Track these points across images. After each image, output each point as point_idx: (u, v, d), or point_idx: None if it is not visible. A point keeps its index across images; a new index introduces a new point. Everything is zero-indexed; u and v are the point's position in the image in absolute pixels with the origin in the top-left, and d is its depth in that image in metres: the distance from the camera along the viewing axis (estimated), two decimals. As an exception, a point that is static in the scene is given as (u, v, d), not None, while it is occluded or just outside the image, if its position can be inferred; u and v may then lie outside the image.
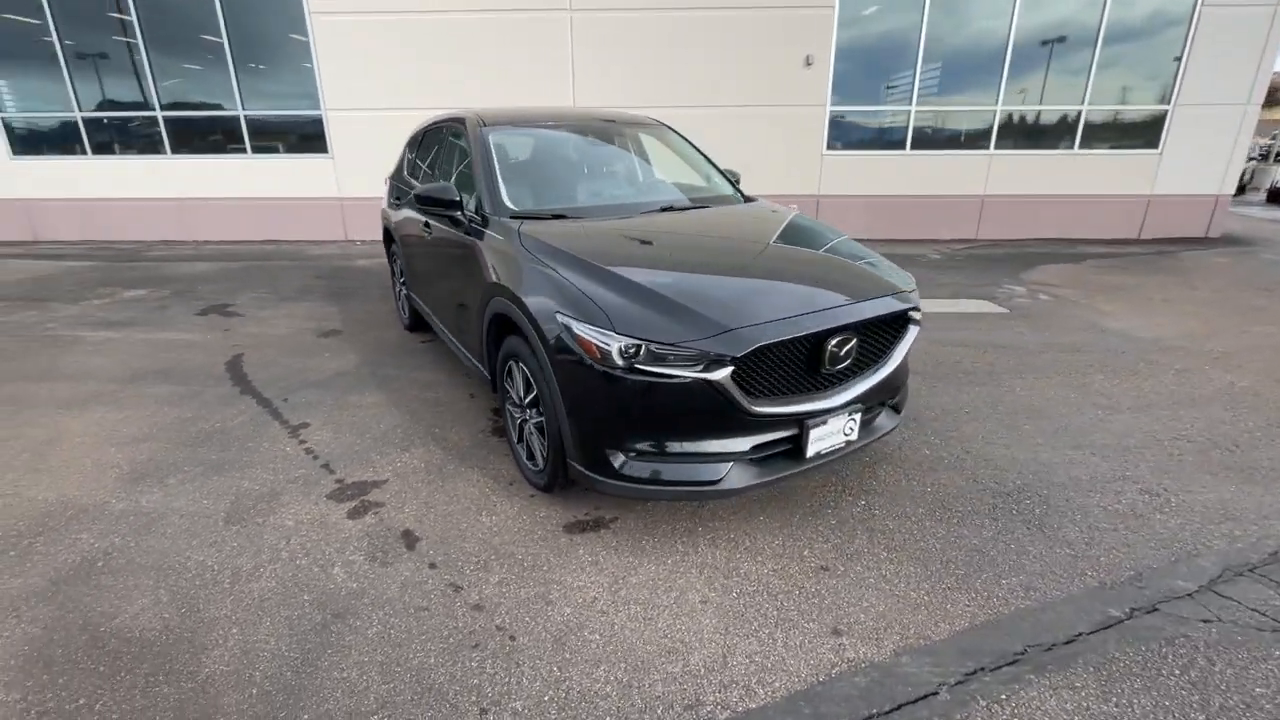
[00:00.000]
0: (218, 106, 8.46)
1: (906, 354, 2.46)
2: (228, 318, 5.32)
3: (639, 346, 2.00)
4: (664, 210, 3.04)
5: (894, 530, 2.47)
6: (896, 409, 2.65)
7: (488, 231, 2.73)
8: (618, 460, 2.16)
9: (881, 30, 8.16)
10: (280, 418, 3.42)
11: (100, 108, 8.58)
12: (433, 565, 2.27)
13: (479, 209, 2.84)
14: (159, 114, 8.46)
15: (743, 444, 2.18)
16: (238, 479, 2.82)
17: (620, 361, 2.00)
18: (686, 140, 3.75)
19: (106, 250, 8.41)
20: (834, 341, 2.14)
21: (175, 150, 8.65)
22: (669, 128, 3.79)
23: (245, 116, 8.44)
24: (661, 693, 1.77)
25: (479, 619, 2.02)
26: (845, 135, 8.52)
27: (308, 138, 8.55)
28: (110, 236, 9.01)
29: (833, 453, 2.32)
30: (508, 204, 2.83)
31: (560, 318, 2.14)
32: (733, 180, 3.58)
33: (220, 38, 8.01)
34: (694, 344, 2.00)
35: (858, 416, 2.32)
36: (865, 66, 8.26)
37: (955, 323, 5.12)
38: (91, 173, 8.75)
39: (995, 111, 8.36)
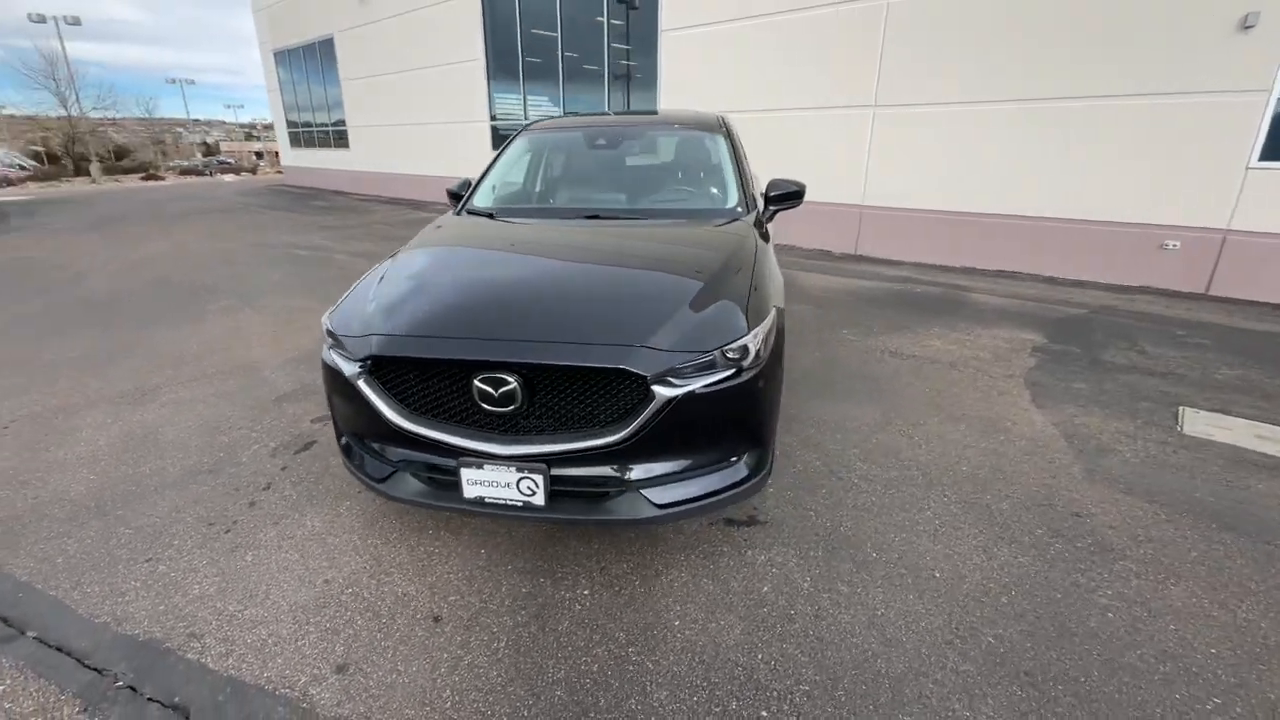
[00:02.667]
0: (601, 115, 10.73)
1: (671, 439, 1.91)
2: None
3: (332, 336, 2.15)
4: (590, 218, 2.95)
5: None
6: (664, 508, 1.96)
7: None
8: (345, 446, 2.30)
9: None
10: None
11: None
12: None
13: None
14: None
15: (406, 454, 2.12)
16: None
17: (326, 345, 2.18)
18: (730, 145, 3.37)
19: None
20: (480, 377, 1.86)
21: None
22: (724, 133, 3.45)
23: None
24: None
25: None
26: (1292, 138, 5.55)
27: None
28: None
29: (508, 508, 1.98)
30: (474, 200, 3.18)
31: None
32: (747, 193, 3.11)
33: (600, 65, 10.10)
34: (351, 339, 2.06)
35: (533, 483, 1.92)
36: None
37: None
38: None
39: None
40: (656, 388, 1.84)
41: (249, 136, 75.58)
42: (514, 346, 1.88)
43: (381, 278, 2.40)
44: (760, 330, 2.04)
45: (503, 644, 1.88)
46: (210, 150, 53.40)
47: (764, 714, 1.64)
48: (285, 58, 18.89)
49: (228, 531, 2.43)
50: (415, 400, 2.00)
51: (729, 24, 8.43)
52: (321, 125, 18.42)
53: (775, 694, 1.70)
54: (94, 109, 33.28)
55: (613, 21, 9.93)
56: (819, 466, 2.85)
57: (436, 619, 1.98)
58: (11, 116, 36.96)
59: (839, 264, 7.42)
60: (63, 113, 32.07)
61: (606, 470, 1.98)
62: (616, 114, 4.02)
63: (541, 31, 11.03)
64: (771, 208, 3.21)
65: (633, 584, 2.12)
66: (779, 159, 8.45)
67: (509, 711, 1.66)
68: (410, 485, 2.11)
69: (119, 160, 32.58)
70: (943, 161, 7.12)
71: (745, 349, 1.96)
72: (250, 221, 12.09)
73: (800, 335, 4.70)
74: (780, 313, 2.67)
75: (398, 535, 2.38)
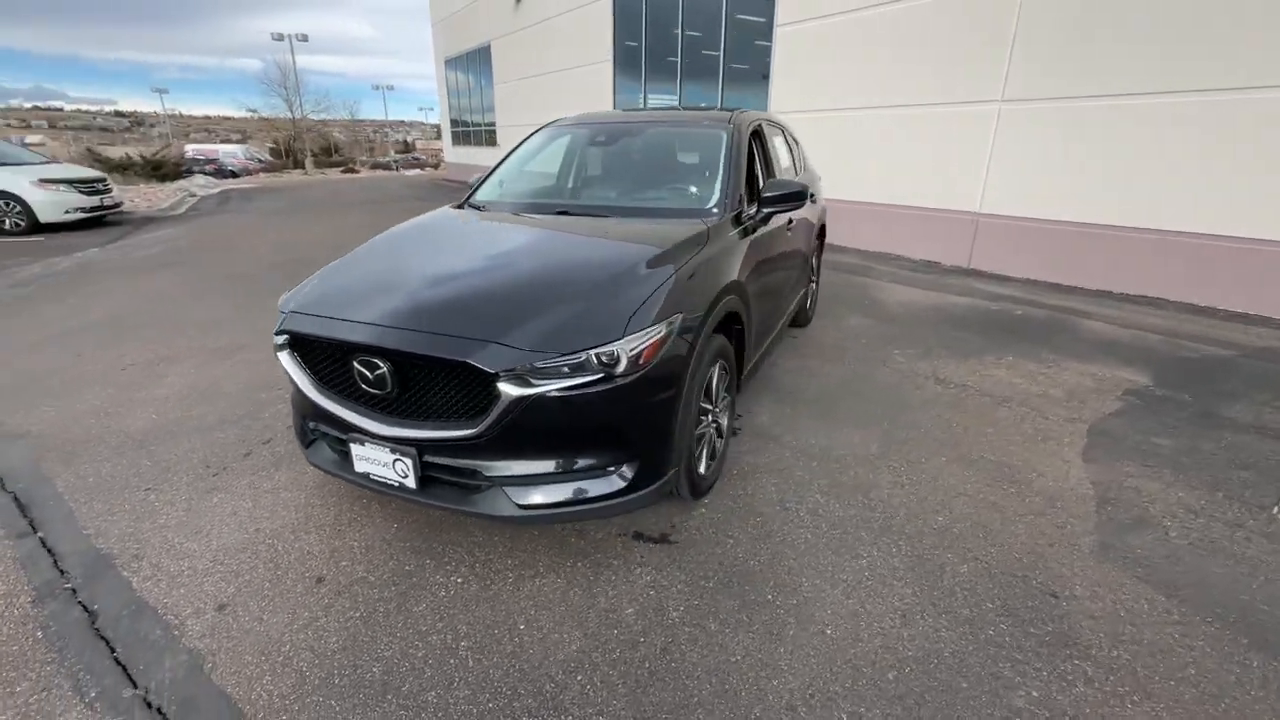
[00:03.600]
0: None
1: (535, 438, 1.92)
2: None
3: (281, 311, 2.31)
4: (560, 214, 2.95)
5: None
6: (526, 509, 1.96)
7: None
8: None
9: None
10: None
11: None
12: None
13: None
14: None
15: (319, 424, 2.25)
16: None
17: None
18: (732, 144, 3.11)
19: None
20: (358, 360, 1.97)
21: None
22: (728, 131, 3.18)
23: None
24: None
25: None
26: None
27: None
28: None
29: (386, 487, 2.09)
30: (477, 193, 3.31)
31: None
32: (735, 194, 2.90)
33: (717, 61, 9.95)
34: (281, 314, 2.23)
35: (406, 465, 1.98)
36: None
37: None
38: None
39: None
40: (504, 385, 1.82)
41: (438, 136, 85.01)
42: (382, 332, 1.95)
43: (366, 264, 2.59)
44: (642, 337, 1.92)
45: (358, 614, 1.97)
46: (407, 148, 60.69)
47: (548, 737, 1.56)
48: (453, 64, 20.93)
49: (215, 475, 2.80)
50: (321, 374, 2.16)
51: (843, 16, 7.88)
52: (477, 125, 20.16)
53: (571, 718, 1.61)
54: (312, 112, 39.53)
55: (735, 17, 9.73)
56: (770, 494, 2.61)
57: (319, 580, 2.13)
58: (261, 118, 45.36)
59: (941, 277, 6.66)
60: (289, 115, 38.59)
61: (472, 463, 1.99)
62: (633, 111, 3.94)
63: (665, 32, 11.12)
64: (766, 209, 2.98)
65: (505, 581, 2.11)
66: (889, 159, 7.80)
67: (323, 677, 1.74)
68: (325, 454, 2.28)
69: (328, 156, 38.35)
70: (1080, 165, 6.08)
71: (614, 355, 1.86)
72: (406, 209, 13.60)
73: (843, 352, 4.31)
74: (739, 317, 2.54)
75: (335, 499, 2.58)
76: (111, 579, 2.14)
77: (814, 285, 4.91)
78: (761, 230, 3.02)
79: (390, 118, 79.82)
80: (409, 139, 75.51)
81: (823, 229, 4.81)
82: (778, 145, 3.91)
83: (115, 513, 2.51)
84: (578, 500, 1.98)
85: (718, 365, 2.51)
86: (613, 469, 2.00)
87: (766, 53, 9.10)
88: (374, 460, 2.06)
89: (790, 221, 3.56)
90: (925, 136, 7.30)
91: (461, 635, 1.88)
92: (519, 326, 1.89)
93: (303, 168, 34.69)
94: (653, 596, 2.03)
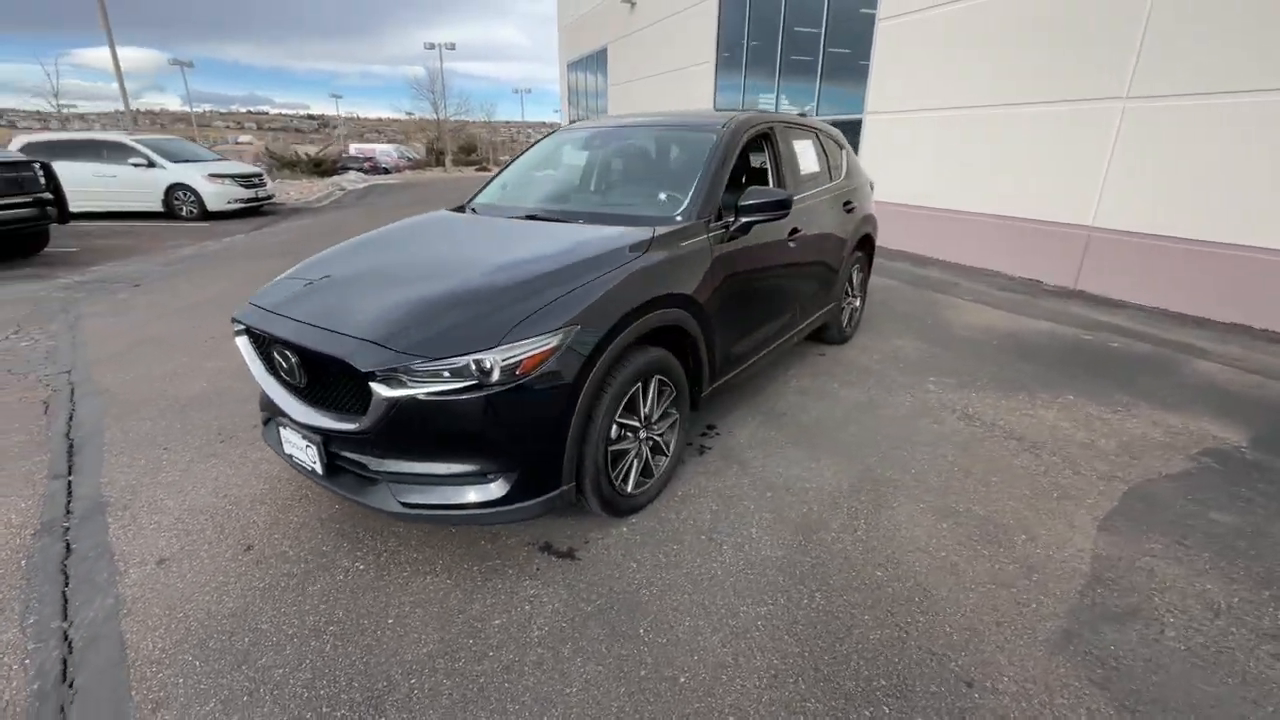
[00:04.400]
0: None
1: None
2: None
3: None
4: (527, 218, 2.96)
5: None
6: (407, 507, 2.02)
7: None
8: None
9: None
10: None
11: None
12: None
13: None
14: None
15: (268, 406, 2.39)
16: None
17: None
18: (721, 149, 2.95)
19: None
20: (276, 350, 2.16)
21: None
22: (720, 136, 3.02)
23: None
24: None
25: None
26: None
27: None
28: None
29: (303, 469, 2.23)
30: (478, 195, 3.40)
31: None
32: (712, 201, 2.77)
33: (817, 49, 9.46)
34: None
35: (314, 451, 2.11)
36: None
37: None
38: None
39: None
40: (375, 385, 1.86)
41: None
42: (292, 327, 2.09)
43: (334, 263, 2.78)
44: (523, 347, 1.89)
45: (262, 585, 2.12)
46: (538, 147, 63.92)
47: (356, 734, 1.59)
48: (574, 67, 21.74)
49: (221, 442, 3.14)
50: (265, 361, 2.34)
51: (948, 6, 7.18)
52: (591, 126, 20.78)
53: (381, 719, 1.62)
54: (454, 114, 42.90)
55: (837, 12, 9.22)
56: (703, 522, 2.45)
57: (248, 548, 2.32)
58: (415, 119, 50.20)
59: (1035, 299, 5.87)
60: (434, 117, 42.21)
61: (363, 457, 2.06)
62: (642, 115, 3.83)
63: (766, 29, 10.78)
64: (743, 219, 2.79)
65: (400, 574, 2.17)
66: (988, 163, 7.04)
67: (201, 638, 1.89)
68: (272, 434, 2.48)
69: (467, 154, 41.46)
70: (1227, 173, 5.08)
71: (486, 363, 1.84)
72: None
73: (868, 375, 3.95)
74: (685, 331, 2.52)
75: (300, 477, 2.79)
76: (97, 523, 2.47)
77: (854, 301, 4.53)
78: (741, 241, 2.84)
79: (527, 119, 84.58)
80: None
81: (865, 239, 4.43)
82: (802, 150, 3.65)
83: (130, 466, 2.90)
84: (455, 504, 1.99)
85: (654, 381, 2.41)
86: (491, 477, 1.98)
87: (867, 49, 8.52)
88: (294, 444, 2.21)
89: (795, 232, 3.31)
90: (1031, 138, 6.47)
91: (334, 620, 1.97)
92: (404, 329, 1.93)
93: (443, 165, 37.77)
94: (525, 611, 2.00)
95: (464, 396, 1.86)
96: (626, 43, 16.69)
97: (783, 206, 2.78)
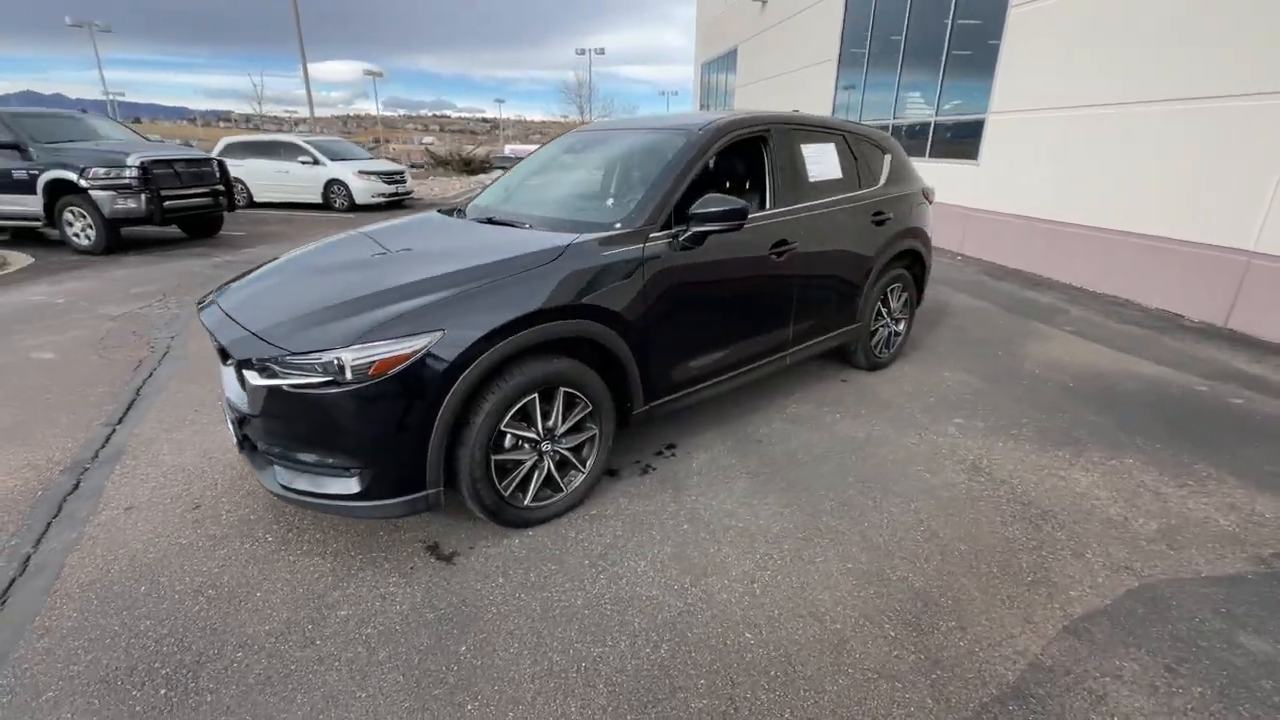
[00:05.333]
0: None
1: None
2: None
3: None
4: (486, 221, 2.95)
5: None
6: (284, 489, 2.13)
7: None
8: None
9: None
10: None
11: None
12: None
13: None
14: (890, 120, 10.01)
15: None
16: None
17: None
18: (684, 155, 2.79)
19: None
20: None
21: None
22: (689, 142, 2.85)
23: (900, 123, 8.87)
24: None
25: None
26: None
27: (962, 142, 8.27)
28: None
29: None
30: (476, 198, 3.44)
31: None
32: (662, 210, 2.63)
33: (943, 43, 8.54)
34: None
35: (233, 426, 2.30)
36: None
37: None
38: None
39: None
40: (248, 372, 1.99)
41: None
42: (213, 311, 2.30)
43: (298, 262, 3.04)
44: (378, 349, 1.91)
45: (184, 542, 2.36)
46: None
47: (135, 706, 1.72)
48: (708, 69, 21.65)
49: (239, 409, 3.54)
50: None
51: (1092, -14, 6.13)
52: (718, 127, 20.58)
53: (172, 693, 1.73)
54: (599, 116, 44.69)
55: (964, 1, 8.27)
56: (597, 546, 2.33)
57: (196, 507, 2.59)
58: (570, 122, 53.74)
59: (1160, 335, 4.83)
60: (579, 119, 44.35)
61: (256, 437, 2.21)
62: (638, 118, 3.69)
63: (890, 23, 9.95)
64: (694, 228, 2.59)
65: (295, 551, 2.30)
66: (1124, 172, 5.97)
67: (112, 581, 2.15)
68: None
69: (608, 155, 43.33)
70: None
71: (337, 362, 1.89)
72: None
73: (885, 409, 3.50)
74: (598, 344, 2.44)
75: (276, 448, 3.07)
76: (108, 467, 2.91)
77: (891, 324, 4.03)
78: (696, 253, 2.64)
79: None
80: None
81: (908, 256, 3.92)
82: (814, 155, 3.31)
83: (160, 422, 3.37)
84: (321, 494, 2.07)
85: (560, 393, 2.33)
86: (351, 472, 2.04)
87: (995, 40, 7.55)
88: (227, 417, 2.44)
89: (782, 244, 3.02)
90: (1182, 142, 5.33)
91: (216, 585, 2.14)
92: (286, 325, 2.04)
93: (584, 165, 39.57)
94: (375, 607, 2.03)
95: (320, 391, 1.93)
96: (755, 43, 16.29)
97: (735, 217, 2.55)
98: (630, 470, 2.87)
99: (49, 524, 2.49)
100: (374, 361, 1.91)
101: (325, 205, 13.29)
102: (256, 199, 13.80)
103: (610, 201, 2.82)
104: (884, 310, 3.91)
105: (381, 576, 2.18)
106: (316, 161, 13.22)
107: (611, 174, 3.22)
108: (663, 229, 2.59)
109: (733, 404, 3.53)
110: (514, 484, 2.31)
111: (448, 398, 2.02)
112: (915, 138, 9.41)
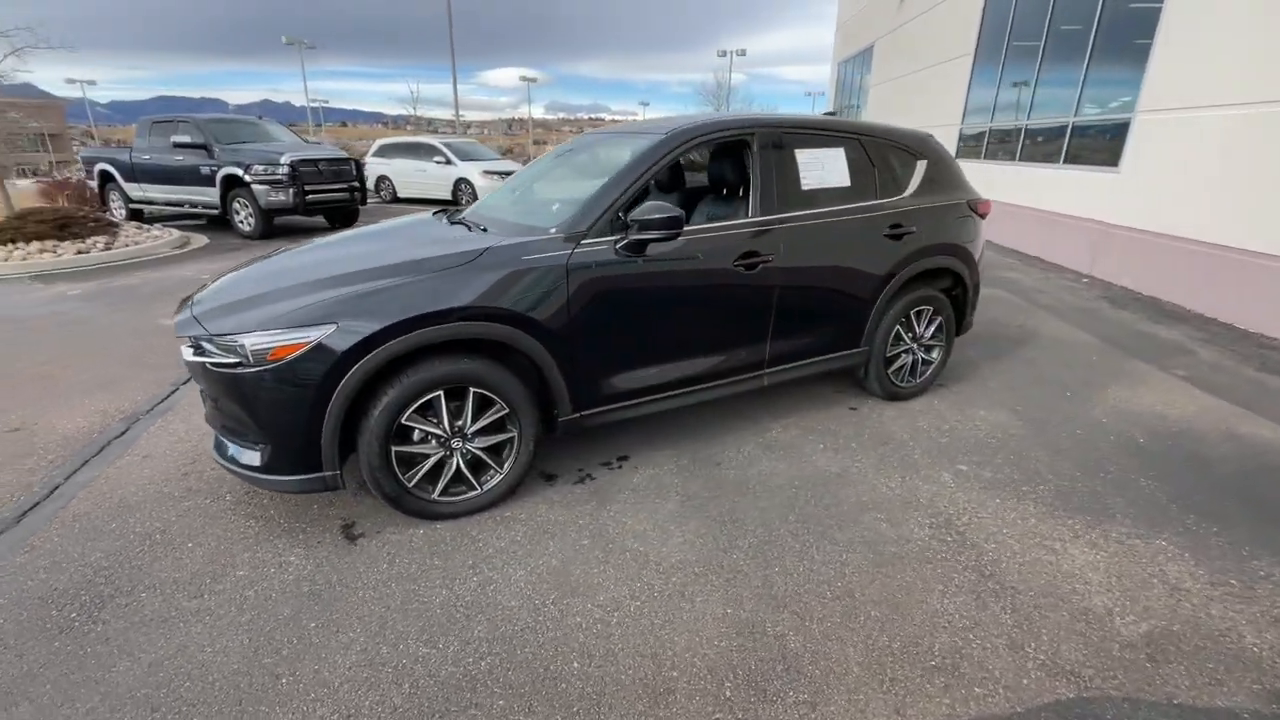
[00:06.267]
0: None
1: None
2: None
3: None
4: (455, 224, 3.02)
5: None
6: (217, 454, 2.37)
7: None
8: None
9: None
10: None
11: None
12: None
13: None
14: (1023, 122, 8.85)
15: None
16: None
17: None
18: (644, 161, 2.71)
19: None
20: None
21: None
22: (655, 146, 2.75)
23: (1029, 125, 7.69)
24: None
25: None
26: None
27: (1099, 146, 7.10)
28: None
29: None
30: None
31: None
32: (601, 217, 2.58)
33: (1089, 30, 7.37)
34: None
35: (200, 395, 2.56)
36: None
37: None
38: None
39: None
40: (184, 349, 2.26)
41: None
42: (197, 294, 2.59)
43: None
44: (274, 337, 2.08)
45: (163, 493, 2.72)
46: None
47: None
48: (844, 67, 20.55)
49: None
50: None
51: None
52: (850, 129, 19.47)
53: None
54: (736, 118, 44.43)
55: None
56: (489, 549, 2.34)
57: (194, 461, 2.97)
58: None
59: (1312, 392, 3.82)
60: (715, 121, 44.42)
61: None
62: (622, 125, 3.56)
63: (1031, 14, 8.79)
64: (634, 236, 2.49)
65: (240, 514, 2.56)
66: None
67: (96, 517, 2.54)
68: None
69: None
70: None
71: (237, 345, 2.09)
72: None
73: (885, 444, 3.14)
74: (510, 349, 2.47)
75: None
76: (152, 421, 3.43)
77: (919, 352, 3.58)
78: (637, 262, 2.55)
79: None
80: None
81: (938, 275, 3.46)
82: (811, 161, 3.02)
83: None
84: (236, 463, 2.29)
85: (472, 393, 2.37)
86: (256, 446, 2.23)
87: (1150, 24, 6.38)
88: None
89: (754, 256, 2.80)
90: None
91: (164, 532, 2.44)
92: (215, 310, 2.28)
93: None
94: (265, 574, 2.20)
95: (231, 371, 2.14)
96: (892, 39, 15.17)
97: (670, 225, 2.43)
98: (569, 477, 2.84)
99: (86, 461, 2.99)
100: (271, 348, 2.08)
101: (454, 201, 14.51)
102: (400, 195, 15.42)
103: (557, 206, 2.80)
104: (905, 335, 3.49)
105: (290, 546, 2.36)
106: (449, 161, 14.46)
107: (579, 179, 3.19)
108: (603, 235, 2.53)
109: (710, 421, 3.35)
110: (419, 475, 2.39)
111: (339, 387, 2.14)
112: (1050, 140, 8.26)
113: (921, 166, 3.42)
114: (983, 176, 7.45)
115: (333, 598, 2.09)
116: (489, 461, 2.52)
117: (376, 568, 2.24)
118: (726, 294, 2.84)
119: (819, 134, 3.12)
